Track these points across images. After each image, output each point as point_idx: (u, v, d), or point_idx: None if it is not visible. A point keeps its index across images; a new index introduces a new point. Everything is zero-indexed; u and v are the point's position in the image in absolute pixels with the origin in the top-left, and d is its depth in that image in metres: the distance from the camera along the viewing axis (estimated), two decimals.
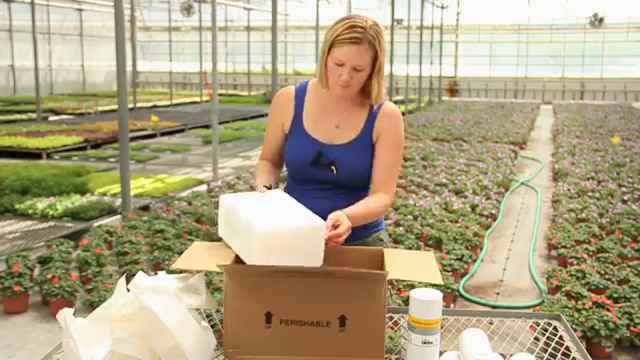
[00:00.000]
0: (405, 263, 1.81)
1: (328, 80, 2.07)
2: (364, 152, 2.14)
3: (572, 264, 4.95)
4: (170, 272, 1.76)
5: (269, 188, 2.08)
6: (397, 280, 2.29)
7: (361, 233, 2.18)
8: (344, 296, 1.54)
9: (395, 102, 2.20)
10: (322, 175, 2.14)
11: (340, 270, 1.54)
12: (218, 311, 1.84)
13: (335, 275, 1.54)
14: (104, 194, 7.45)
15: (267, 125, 2.29)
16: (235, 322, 1.57)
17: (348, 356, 1.55)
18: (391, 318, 1.88)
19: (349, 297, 1.54)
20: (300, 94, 2.20)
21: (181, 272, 1.72)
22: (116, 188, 7.23)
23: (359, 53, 1.99)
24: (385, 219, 2.35)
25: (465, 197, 7.21)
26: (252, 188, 7.41)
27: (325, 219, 1.86)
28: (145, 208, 6.83)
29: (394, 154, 2.14)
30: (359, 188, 2.17)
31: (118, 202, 6.78)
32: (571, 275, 4.58)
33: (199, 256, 1.78)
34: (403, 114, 2.50)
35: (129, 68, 17.60)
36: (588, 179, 8.29)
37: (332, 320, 1.54)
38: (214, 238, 5.43)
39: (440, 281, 1.66)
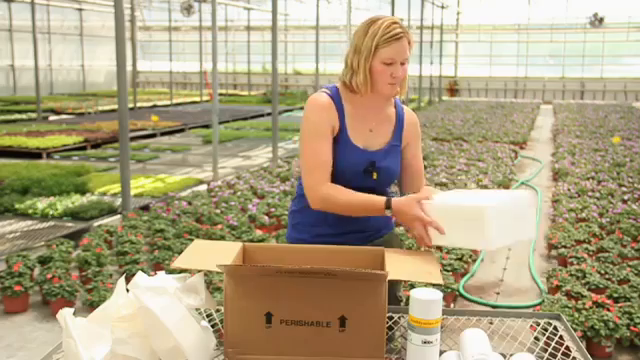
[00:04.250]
0: (406, 263, 1.81)
1: (375, 84, 2.06)
2: (396, 157, 2.20)
3: (572, 264, 4.94)
4: (170, 271, 1.76)
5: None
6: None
7: (382, 231, 2.24)
8: (344, 296, 1.54)
9: None
10: (365, 182, 2.12)
11: (341, 270, 1.54)
12: (218, 311, 1.84)
13: (336, 275, 1.53)
14: (104, 194, 7.46)
15: (313, 139, 2.07)
16: (235, 322, 1.57)
17: (348, 356, 1.55)
18: (391, 318, 1.88)
19: (349, 297, 1.54)
20: (337, 101, 2.13)
21: (181, 271, 1.72)
22: (116, 188, 7.24)
23: (404, 47, 2.04)
24: None
25: None
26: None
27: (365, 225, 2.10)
28: (145, 208, 6.83)
29: (420, 153, 2.30)
30: (385, 191, 2.23)
31: (118, 202, 6.78)
32: (571, 275, 4.58)
33: (199, 255, 1.78)
34: None
35: (129, 68, 17.60)
36: (588, 179, 8.29)
37: (332, 320, 1.54)
38: (214, 238, 5.43)
39: (441, 281, 1.67)
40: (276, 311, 1.55)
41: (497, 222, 1.73)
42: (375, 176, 2.14)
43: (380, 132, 2.17)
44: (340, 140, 2.10)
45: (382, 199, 2.00)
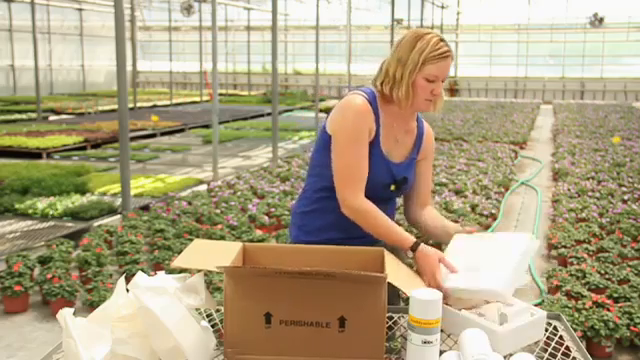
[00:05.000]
0: (400, 270, 1.83)
1: (414, 98, 2.05)
2: (413, 170, 2.22)
3: (572, 264, 4.94)
4: (170, 271, 1.75)
5: (421, 243, 2.01)
6: None
7: None
8: (344, 297, 1.54)
9: None
10: (384, 194, 2.12)
11: (340, 272, 1.54)
12: (218, 311, 1.84)
13: (335, 277, 1.53)
14: (104, 194, 7.46)
15: (354, 145, 2.02)
16: (235, 322, 1.57)
17: (348, 357, 1.55)
18: (391, 318, 1.88)
19: (349, 298, 1.54)
20: (374, 107, 2.08)
21: (181, 271, 1.72)
22: (116, 188, 7.24)
23: (449, 65, 2.04)
24: None
25: (465, 197, 7.21)
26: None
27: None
28: (145, 208, 6.83)
29: (431, 169, 2.33)
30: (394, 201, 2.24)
31: (118, 202, 6.78)
32: (571, 275, 4.58)
33: (199, 255, 1.77)
34: None
35: (129, 68, 17.58)
36: (588, 179, 8.29)
37: (332, 321, 1.54)
38: (214, 238, 5.43)
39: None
40: (275, 311, 1.55)
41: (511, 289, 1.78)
42: (393, 188, 2.14)
43: (404, 144, 2.17)
44: (371, 148, 2.06)
45: (411, 241, 2.00)
